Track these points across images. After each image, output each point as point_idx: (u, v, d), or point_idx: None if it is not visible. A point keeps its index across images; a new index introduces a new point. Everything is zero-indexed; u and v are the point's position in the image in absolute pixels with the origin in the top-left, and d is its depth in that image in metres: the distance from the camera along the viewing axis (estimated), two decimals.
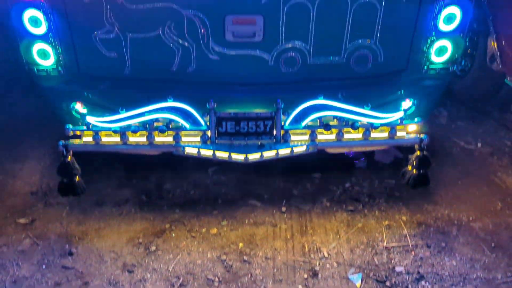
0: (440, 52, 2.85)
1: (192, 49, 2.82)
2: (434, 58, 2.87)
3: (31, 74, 2.92)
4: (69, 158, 2.85)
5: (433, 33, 2.78)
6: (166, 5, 2.65)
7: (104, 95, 2.95)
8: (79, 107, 2.89)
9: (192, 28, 2.74)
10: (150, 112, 2.82)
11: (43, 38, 2.75)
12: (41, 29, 2.71)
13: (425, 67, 2.91)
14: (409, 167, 3.02)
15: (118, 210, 3.18)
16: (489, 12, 3.93)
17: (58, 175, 2.90)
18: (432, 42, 2.81)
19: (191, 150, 2.86)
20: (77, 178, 2.93)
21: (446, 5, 2.68)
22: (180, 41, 2.79)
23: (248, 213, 3.16)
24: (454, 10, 2.70)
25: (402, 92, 2.99)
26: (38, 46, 2.76)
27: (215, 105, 2.77)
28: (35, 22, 2.68)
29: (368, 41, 2.82)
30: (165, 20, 2.71)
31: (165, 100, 2.82)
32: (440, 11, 2.69)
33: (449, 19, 2.73)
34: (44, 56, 2.79)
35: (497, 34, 3.89)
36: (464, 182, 3.49)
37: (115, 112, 2.83)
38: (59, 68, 2.84)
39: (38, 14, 2.66)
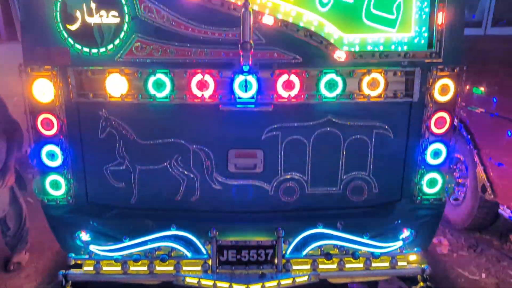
0: (431, 184, 3.00)
1: (197, 179, 3.00)
2: (426, 189, 3.01)
3: (40, 203, 3.04)
4: None
5: (423, 166, 2.97)
6: (175, 141, 2.90)
7: (109, 223, 3.03)
8: (83, 235, 2.94)
9: (198, 161, 2.95)
10: (152, 240, 2.87)
11: (57, 170, 2.92)
12: (56, 162, 2.90)
13: (419, 198, 3.03)
14: None
15: None
16: (473, 146, 4.22)
17: None
18: (423, 175, 2.98)
19: (191, 280, 2.83)
20: None
21: (431, 143, 2.92)
22: (186, 172, 2.97)
23: None
24: (439, 146, 2.92)
25: (399, 221, 3.07)
26: (51, 177, 2.93)
27: (217, 234, 2.83)
28: (51, 156, 2.89)
29: (362, 173, 3.00)
30: (173, 153, 2.93)
31: (168, 228, 2.89)
32: (426, 147, 2.92)
33: (436, 154, 2.94)
34: (56, 187, 2.94)
35: (484, 166, 4.12)
36: None
37: (119, 240, 2.88)
38: (69, 197, 2.97)
39: (56, 149, 2.88)
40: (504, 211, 4.04)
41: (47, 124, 2.82)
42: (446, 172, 3.00)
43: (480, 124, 4.23)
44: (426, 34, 2.74)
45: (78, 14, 2.64)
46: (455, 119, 2.92)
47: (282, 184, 3.02)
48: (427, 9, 2.71)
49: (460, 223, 4.67)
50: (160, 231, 2.89)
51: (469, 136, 4.27)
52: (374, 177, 3.01)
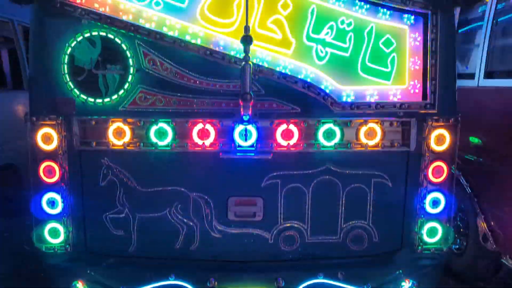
0: (431, 233, 2.98)
1: (196, 227, 2.99)
2: (427, 239, 2.99)
3: (38, 251, 3.01)
4: None
5: (422, 215, 2.97)
6: (175, 188, 2.92)
7: (106, 272, 2.98)
8: (80, 285, 2.89)
9: (197, 208, 2.96)
10: None
11: (57, 217, 2.92)
12: (56, 210, 2.90)
13: (419, 247, 3.00)
14: None
15: None
16: (473, 195, 4.22)
17: None
18: (422, 224, 2.97)
19: None
20: None
21: (429, 191, 2.93)
22: (185, 220, 2.97)
23: None
24: (438, 195, 2.93)
25: (400, 271, 3.03)
26: (50, 225, 2.91)
27: (216, 284, 2.79)
28: (52, 203, 2.89)
29: (362, 222, 3.00)
30: (173, 201, 2.94)
31: (166, 278, 2.84)
32: (425, 196, 2.94)
33: (435, 203, 2.95)
34: (55, 235, 2.92)
35: (485, 215, 4.10)
36: None
37: None
38: (67, 246, 2.94)
39: (56, 197, 2.89)
40: (507, 261, 3.98)
41: (49, 172, 2.85)
42: (446, 221, 3.00)
43: (479, 173, 4.26)
44: (420, 86, 2.83)
45: (84, 66, 2.75)
46: (453, 168, 2.95)
47: (282, 232, 3.01)
48: (420, 62, 2.82)
49: (463, 273, 4.58)
50: (158, 281, 2.84)
51: (468, 185, 4.29)
52: (374, 226, 3.00)
